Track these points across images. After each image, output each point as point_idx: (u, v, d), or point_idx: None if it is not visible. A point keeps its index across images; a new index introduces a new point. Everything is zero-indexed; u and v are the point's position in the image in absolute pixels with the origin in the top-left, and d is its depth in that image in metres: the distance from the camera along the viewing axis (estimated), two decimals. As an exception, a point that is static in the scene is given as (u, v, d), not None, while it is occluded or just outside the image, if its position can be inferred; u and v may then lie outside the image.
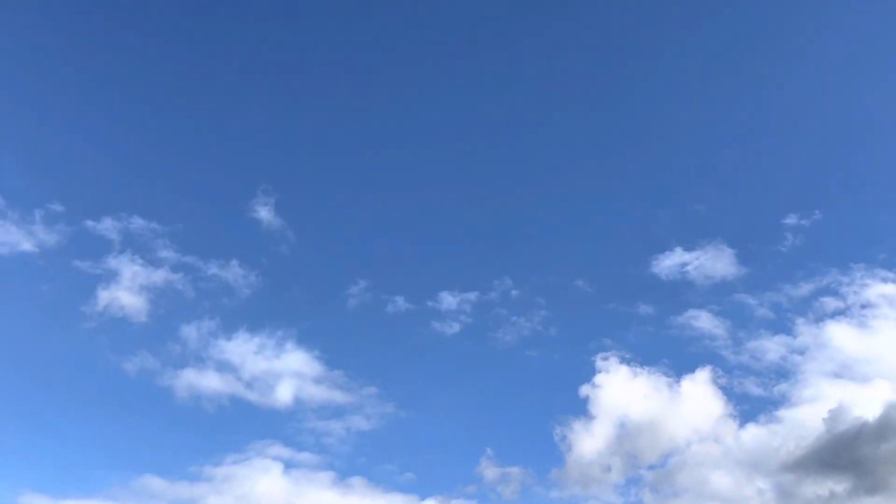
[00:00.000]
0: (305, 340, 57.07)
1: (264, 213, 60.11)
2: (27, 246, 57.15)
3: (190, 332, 56.49)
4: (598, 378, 49.23)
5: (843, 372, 49.73)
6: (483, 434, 55.87)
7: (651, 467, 48.96)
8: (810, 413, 48.92)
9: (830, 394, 49.48)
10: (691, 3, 61.12)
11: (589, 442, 48.41)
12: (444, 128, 64.84)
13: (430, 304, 57.92)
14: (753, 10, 59.25)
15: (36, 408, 54.19)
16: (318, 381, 55.84)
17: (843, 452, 43.58)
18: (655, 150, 61.25)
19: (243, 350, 56.17)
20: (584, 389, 49.58)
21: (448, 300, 57.46)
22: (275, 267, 60.29)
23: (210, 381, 55.03)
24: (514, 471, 51.02)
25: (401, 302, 58.03)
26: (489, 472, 50.83)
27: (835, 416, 45.03)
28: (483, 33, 64.58)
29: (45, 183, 61.06)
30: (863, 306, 48.59)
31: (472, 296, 57.58)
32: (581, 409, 50.77)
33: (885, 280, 48.56)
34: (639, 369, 49.71)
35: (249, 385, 55.18)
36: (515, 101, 64.37)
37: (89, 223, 58.51)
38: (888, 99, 55.64)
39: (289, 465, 52.65)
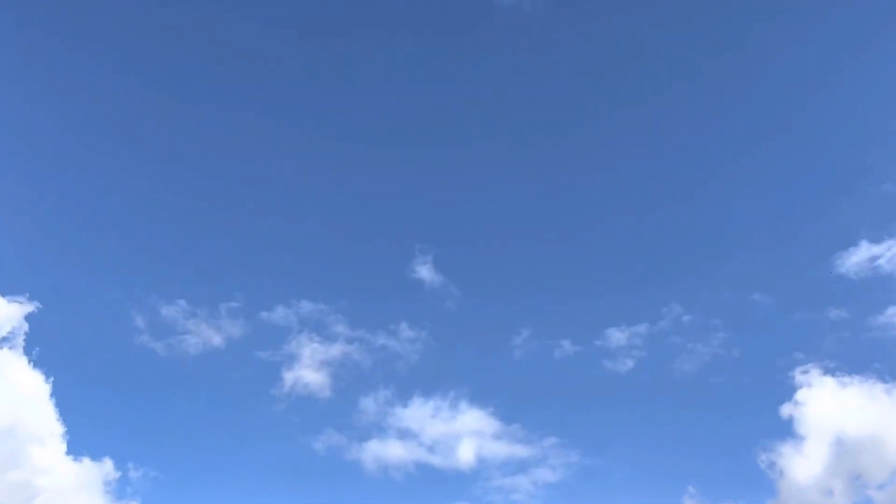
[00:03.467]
0: (478, 397, 56.95)
1: (425, 272, 61.40)
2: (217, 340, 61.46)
3: (368, 403, 58.03)
4: (801, 394, 45.24)
5: None
6: (680, 472, 52.47)
7: (881, 486, 43.77)
8: None
9: None
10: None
11: (803, 466, 44.18)
12: (580, 166, 64.05)
13: (597, 343, 56.20)
14: None
15: (237, 495, 56.99)
16: (497, 437, 55.38)
17: None
18: (822, 143, 57.18)
19: (420, 415, 56.91)
20: (786, 409, 45.67)
21: (616, 336, 55.52)
22: (442, 324, 61.13)
23: (394, 450, 55.94)
24: (726, 509, 47.33)
25: (567, 345, 56.75)
26: (696, 511, 47.47)
27: None
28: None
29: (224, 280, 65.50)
30: None
31: (642, 328, 55.30)
32: (786, 430, 46.58)
33: None
34: (846, 379, 45.24)
35: (431, 449, 55.55)
36: (655, 122, 62.68)
37: (264, 314, 62.16)
38: None
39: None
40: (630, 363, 54.20)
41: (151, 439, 57.81)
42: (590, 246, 61.69)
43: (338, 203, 67.49)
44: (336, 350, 60.02)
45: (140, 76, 67.12)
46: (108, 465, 52.08)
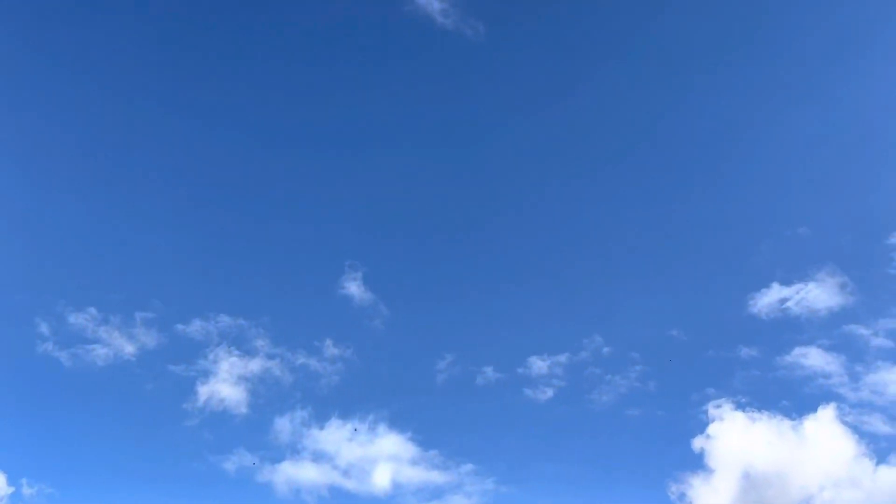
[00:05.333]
0: (398, 422, 56.34)
1: (354, 289, 60.61)
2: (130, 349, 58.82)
3: (284, 423, 56.49)
4: (712, 428, 46.61)
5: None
6: (593, 502, 53.17)
7: (783, 521, 45.34)
8: (950, 447, 44.92)
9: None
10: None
11: (711, 498, 45.38)
12: (515, 194, 64.90)
13: (520, 370, 56.57)
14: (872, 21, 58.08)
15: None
16: (414, 462, 54.77)
17: None
18: (744, 186, 59.70)
19: (337, 437, 55.78)
20: (698, 442, 46.98)
21: (538, 365, 56.05)
22: (368, 343, 60.37)
23: (308, 473, 54.56)
24: (635, 538, 48.04)
25: (490, 372, 56.91)
26: (609, 543, 47.96)
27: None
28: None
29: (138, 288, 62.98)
30: None
31: (563, 358, 56.03)
32: (697, 463, 47.92)
33: None
34: (756, 414, 46.91)
35: (346, 473, 54.42)
36: (585, 155, 64.24)
37: (180, 327, 59.90)
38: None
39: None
40: (550, 392, 54.76)
41: (49, 454, 54.69)
42: (517, 274, 62.42)
43: (264, 215, 66.21)
44: (255, 365, 58.45)
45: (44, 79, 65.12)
46: (-1, 479, 49.05)
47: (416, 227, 64.44)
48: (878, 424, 46.85)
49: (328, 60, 67.19)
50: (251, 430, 56.86)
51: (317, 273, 63.73)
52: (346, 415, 56.61)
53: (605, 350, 55.70)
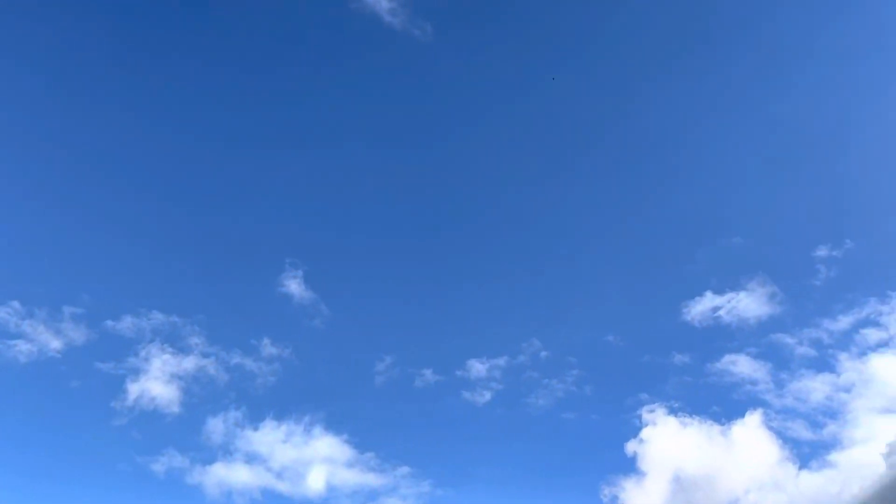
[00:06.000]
0: (334, 424, 55.65)
1: (294, 287, 59.58)
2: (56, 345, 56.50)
3: (217, 424, 55.15)
4: (645, 432, 47.59)
5: (895, 406, 48.13)
6: (528, 504, 53.60)
7: (711, 523, 46.60)
8: (867, 452, 46.98)
9: (884, 430, 47.68)
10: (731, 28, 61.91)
11: (643, 500, 46.29)
12: (459, 196, 65.05)
13: (459, 373, 56.68)
14: (804, 35, 60.06)
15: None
16: (349, 465, 54.16)
17: (909, 489, 41.50)
18: (681, 197, 61.23)
19: (271, 439, 54.76)
20: (631, 446, 47.89)
21: (477, 368, 56.25)
22: (307, 343, 59.46)
23: (240, 475, 53.35)
24: (568, 540, 48.61)
25: (429, 374, 56.82)
26: (542, 545, 48.40)
27: (893, 451, 43.13)
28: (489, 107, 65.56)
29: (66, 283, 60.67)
30: (907, 334, 47.30)
31: (502, 361, 56.39)
32: (630, 466, 48.84)
33: (926, 305, 47.45)
34: (687, 419, 48.12)
35: (280, 475, 53.46)
36: (532, 161, 64.85)
37: (110, 323, 57.90)
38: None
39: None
40: (488, 395, 55.00)
41: (-36, 453, 52.03)
42: (458, 277, 62.60)
43: (201, 210, 64.69)
44: (189, 364, 56.85)
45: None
46: None
47: (359, 227, 63.98)
48: (801, 430, 48.65)
49: (274, 58, 66.23)
50: (182, 431, 55.43)
51: (255, 270, 62.65)
52: (281, 416, 55.69)
53: (543, 354, 56.37)
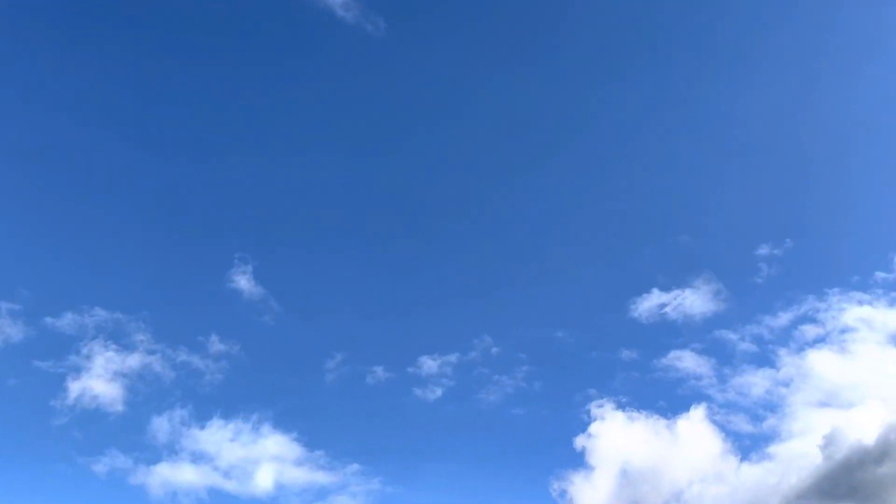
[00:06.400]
0: (283, 422, 55.03)
1: (244, 283, 58.56)
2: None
3: (162, 423, 53.96)
4: (594, 427, 48.39)
5: (830, 400, 49.91)
6: (479, 500, 53.96)
7: (656, 515, 47.68)
8: (804, 445, 48.67)
9: (820, 423, 49.44)
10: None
11: (591, 494, 47.09)
12: (411, 192, 64.92)
13: (410, 370, 56.64)
14: (757, 30, 61.32)
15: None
16: (298, 463, 53.63)
17: (842, 480, 43.18)
18: (630, 195, 62.27)
19: (218, 438, 53.85)
20: (580, 440, 48.62)
21: (428, 364, 56.29)
22: (257, 340, 58.50)
23: (185, 474, 52.34)
24: (517, 535, 49.14)
25: (380, 372, 56.60)
26: (491, 540, 48.81)
27: (829, 443, 44.76)
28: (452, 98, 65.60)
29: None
30: (842, 331, 49.13)
31: (453, 357, 56.57)
32: (579, 461, 49.61)
33: (860, 303, 49.39)
34: (635, 414, 49.08)
35: (227, 474, 52.63)
36: (480, 157, 65.10)
37: (49, 320, 56.06)
38: (845, 125, 58.07)
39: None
40: (439, 391, 55.13)
41: None
42: (409, 274, 62.50)
43: (146, 204, 63.11)
44: (134, 361, 55.45)
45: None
46: None
47: (309, 223, 63.30)
48: (742, 424, 50.07)
49: (219, 51, 64.97)
50: (126, 430, 54.08)
51: (203, 265, 61.44)
52: (229, 414, 54.82)
53: (494, 350, 56.77)
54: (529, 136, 64.21)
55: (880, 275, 49.98)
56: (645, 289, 55.50)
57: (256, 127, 63.86)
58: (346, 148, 64.25)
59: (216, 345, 56.80)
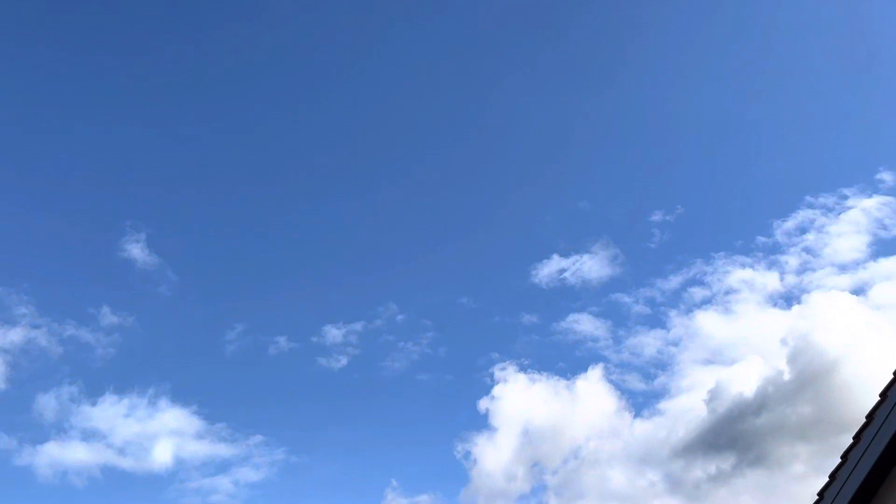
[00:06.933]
0: (181, 395, 53.14)
1: (137, 252, 55.54)
2: None
3: (49, 400, 51.05)
4: (497, 389, 49.58)
5: (715, 357, 53.06)
6: (385, 467, 54.42)
7: (554, 472, 49.64)
8: (690, 400, 51.70)
9: (705, 379, 52.62)
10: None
11: (494, 455, 48.39)
12: (318, 159, 63.56)
13: (314, 339, 55.88)
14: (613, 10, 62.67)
15: None
16: (198, 436, 52.11)
17: (725, 431, 46.07)
18: (532, 161, 63.33)
19: (111, 414, 51.43)
20: (483, 403, 49.70)
21: (333, 333, 55.69)
22: (152, 312, 55.85)
23: (76, 453, 49.79)
24: (423, 499, 49.87)
25: (283, 342, 55.52)
26: (396, 504, 49.37)
27: (713, 397, 47.62)
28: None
29: None
30: (726, 292, 52.05)
31: (358, 326, 56.22)
32: (483, 423, 50.79)
33: (743, 265, 52.44)
34: (536, 375, 50.57)
35: (122, 451, 50.44)
36: (381, 127, 64.42)
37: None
38: (730, 98, 60.97)
39: (174, 534, 48.44)
40: (344, 360, 54.75)
41: None
42: (311, 240, 61.34)
43: (30, 169, 58.80)
44: (16, 336, 51.72)
45: None
46: None
47: (207, 188, 60.78)
48: (636, 382, 52.52)
49: (96, 16, 60.81)
50: (9, 409, 50.78)
51: (92, 234, 57.92)
52: (122, 389, 52.36)
53: (400, 318, 56.84)
54: (427, 104, 64.07)
55: (761, 239, 53.21)
56: (545, 255, 57.01)
57: (146, 82, 60.49)
58: (240, 104, 61.96)
59: (108, 317, 54.01)
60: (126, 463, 50.12)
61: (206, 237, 59.66)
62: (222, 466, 51.66)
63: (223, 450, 51.77)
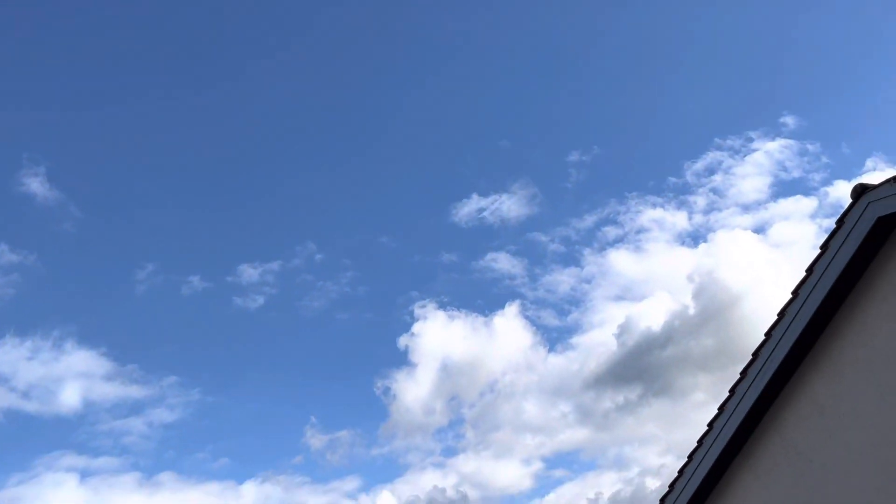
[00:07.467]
0: (88, 337, 51.61)
1: (36, 186, 52.39)
2: None
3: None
4: (416, 327, 50.26)
5: (625, 293, 55.20)
6: (304, 405, 54.81)
7: (471, 405, 51.20)
8: (602, 335, 53.90)
9: (616, 315, 54.83)
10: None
11: (413, 390, 49.45)
12: (238, 95, 60.95)
13: (229, 279, 54.84)
14: None
15: None
16: (108, 378, 50.85)
17: (633, 364, 48.37)
18: (456, 102, 62.71)
19: (13, 357, 49.44)
20: (403, 340, 50.40)
21: (249, 273, 54.76)
22: (55, 250, 53.34)
23: (-24, 397, 47.86)
24: (343, 434, 50.72)
25: (196, 281, 54.22)
26: (315, 441, 50.01)
27: (623, 332, 49.72)
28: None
29: None
30: (637, 231, 53.79)
31: (275, 265, 55.45)
32: (402, 360, 51.74)
33: (654, 205, 54.19)
34: (455, 313, 51.44)
35: (26, 395, 48.79)
36: (292, 57, 62.23)
37: None
38: (644, 41, 61.70)
39: (85, 474, 47.53)
40: (261, 300, 54.08)
41: None
42: (227, 176, 59.43)
43: None
44: None
45: None
46: None
47: (112, 116, 57.50)
48: (550, 318, 54.23)
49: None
50: None
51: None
52: (24, 331, 50.39)
53: (318, 257, 56.32)
54: (353, 49, 62.22)
55: (672, 179, 55.00)
56: (465, 194, 57.31)
57: (43, 17, 56.23)
58: (150, 34, 58.57)
59: (6, 255, 51.26)
60: (31, 406, 48.61)
61: (111, 171, 56.86)
62: (135, 408, 50.85)
63: (135, 391, 50.80)
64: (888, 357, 8.53)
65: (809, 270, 8.98)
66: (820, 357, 9.22)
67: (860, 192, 8.31)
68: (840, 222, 8.54)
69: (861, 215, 8.26)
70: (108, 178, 56.84)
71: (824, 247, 8.76)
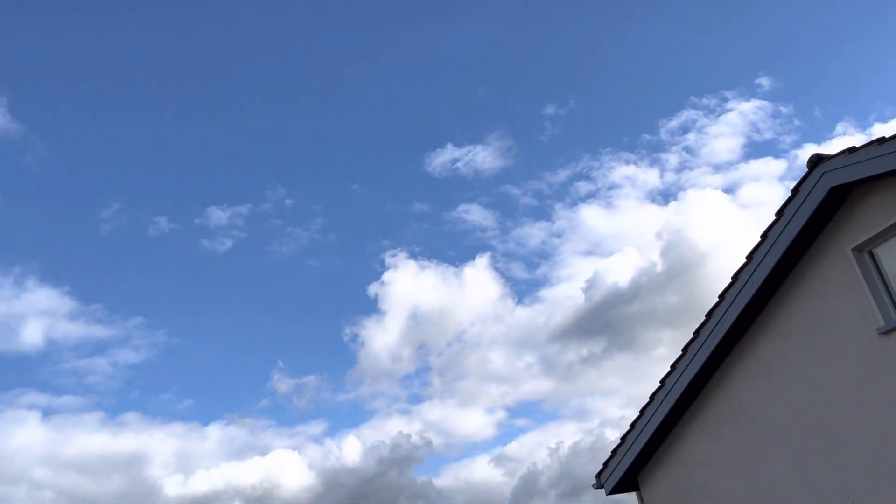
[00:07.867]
0: (51, 275, 50.49)
1: (-2, 119, 50.53)
2: None
3: None
4: (387, 275, 50.23)
5: (595, 249, 55.58)
6: (272, 349, 54.73)
7: (439, 354, 51.73)
8: (570, 288, 54.46)
9: (584, 269, 55.36)
10: None
11: (381, 338, 49.62)
12: (204, 27, 59.21)
13: (197, 221, 54.04)
14: None
15: None
16: (72, 317, 50.27)
17: (598, 318, 49.03)
18: (431, 50, 61.60)
19: (-29, 295, 48.71)
20: (373, 288, 50.39)
21: (217, 215, 53.94)
22: (17, 185, 51.82)
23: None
24: (310, 379, 50.91)
25: (163, 223, 53.31)
26: (282, 385, 50.15)
27: (590, 286, 50.31)
28: None
29: None
30: (609, 187, 53.88)
31: (245, 209, 54.68)
32: (372, 307, 51.68)
33: (627, 162, 54.09)
34: (426, 262, 51.49)
35: (-12, 333, 48.31)
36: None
37: None
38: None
39: (48, 413, 47.27)
40: (229, 243, 53.45)
41: None
42: (195, 115, 58.01)
43: None
44: None
45: None
46: None
47: (80, 48, 55.50)
48: (519, 271, 54.49)
49: None
50: None
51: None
52: (-17, 267, 49.46)
53: (288, 202, 55.68)
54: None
55: (646, 136, 54.76)
56: (439, 144, 56.73)
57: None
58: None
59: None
60: (-8, 344, 48.18)
61: (78, 105, 54.89)
62: (99, 348, 50.41)
63: (99, 331, 50.32)
64: (834, 322, 8.83)
65: (764, 236, 9.19)
66: (769, 320, 9.51)
67: (815, 161, 8.47)
68: (795, 190, 8.72)
69: (815, 185, 8.43)
70: (74, 114, 55.27)
71: (779, 213, 8.95)
